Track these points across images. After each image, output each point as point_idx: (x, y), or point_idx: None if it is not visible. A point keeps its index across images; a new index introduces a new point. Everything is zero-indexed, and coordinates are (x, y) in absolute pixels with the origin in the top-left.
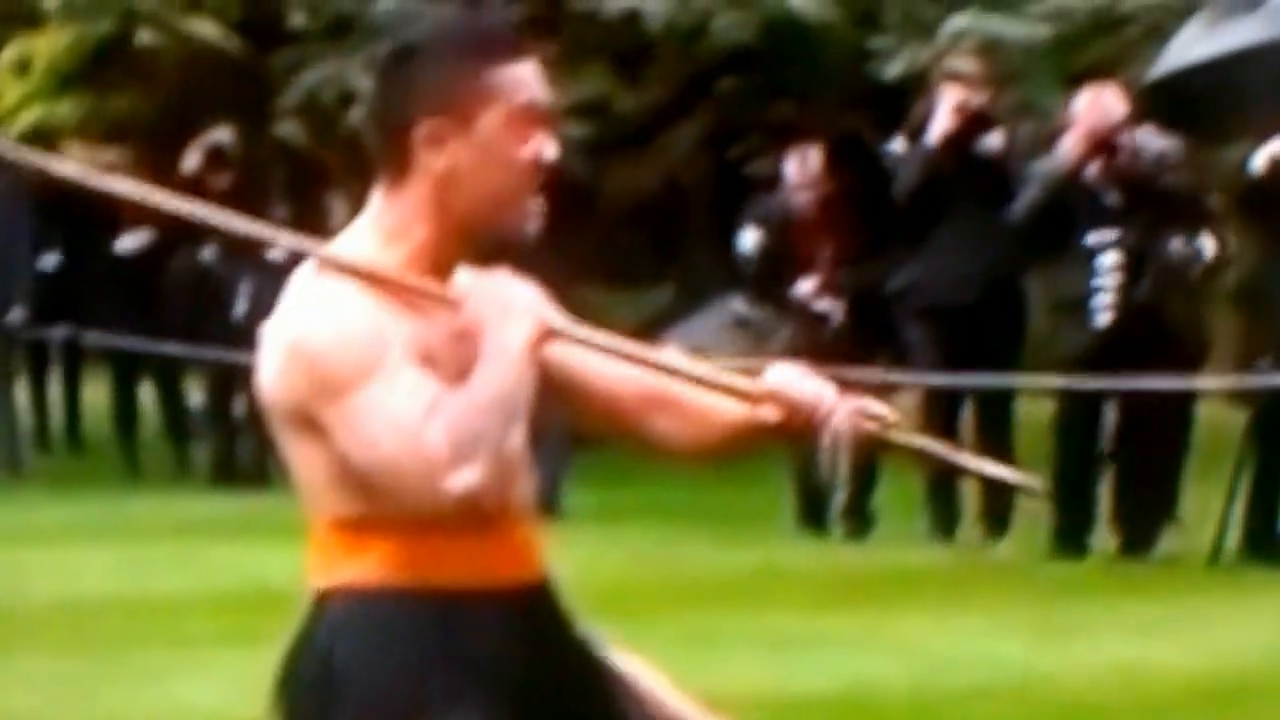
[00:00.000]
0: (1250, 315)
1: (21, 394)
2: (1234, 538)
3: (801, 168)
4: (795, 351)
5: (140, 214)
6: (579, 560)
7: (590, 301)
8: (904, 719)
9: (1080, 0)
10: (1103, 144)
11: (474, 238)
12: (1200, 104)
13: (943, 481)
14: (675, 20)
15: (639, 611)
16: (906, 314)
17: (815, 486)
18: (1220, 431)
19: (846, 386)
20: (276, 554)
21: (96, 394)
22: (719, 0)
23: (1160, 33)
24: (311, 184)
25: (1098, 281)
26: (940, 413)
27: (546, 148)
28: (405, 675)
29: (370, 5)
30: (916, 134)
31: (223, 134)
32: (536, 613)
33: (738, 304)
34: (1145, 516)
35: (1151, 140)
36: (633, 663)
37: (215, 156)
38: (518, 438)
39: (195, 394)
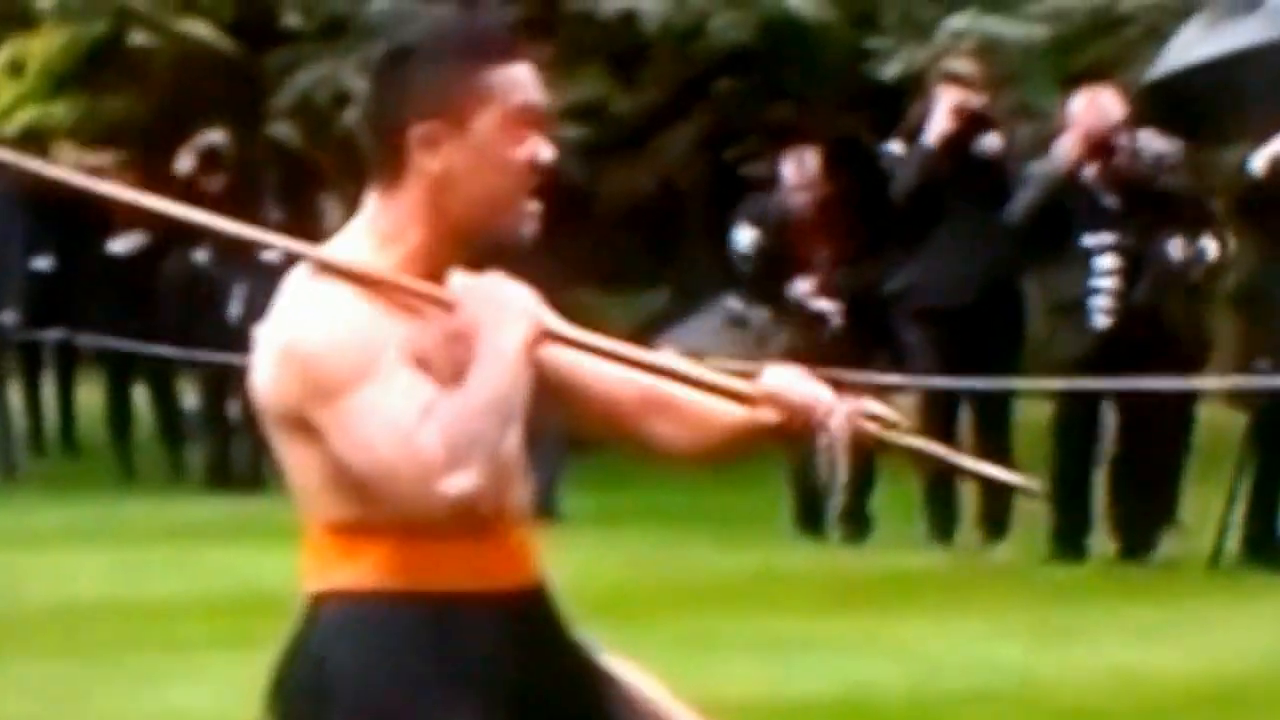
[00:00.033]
0: (1250, 317)
1: (15, 397)
2: (1234, 541)
3: (799, 169)
4: (793, 353)
5: (133, 216)
6: (577, 564)
7: (586, 304)
8: None
9: (1079, 1)
10: (1100, 145)
11: (469, 240)
12: (1199, 105)
13: (941, 484)
14: (672, 21)
15: (637, 615)
16: (904, 316)
17: (813, 489)
18: (1220, 434)
19: (845, 388)
20: (271, 557)
21: (90, 397)
22: (715, 0)
23: (1159, 33)
24: (305, 185)
25: (1095, 283)
26: (938, 415)
27: (542, 150)
28: (399, 680)
29: (364, 6)
30: (914, 135)
31: (216, 135)
32: (532, 617)
33: (733, 302)
34: (1145, 519)
35: (1150, 142)
36: (627, 668)
37: (209, 158)
38: (513, 440)
39: (189, 396)
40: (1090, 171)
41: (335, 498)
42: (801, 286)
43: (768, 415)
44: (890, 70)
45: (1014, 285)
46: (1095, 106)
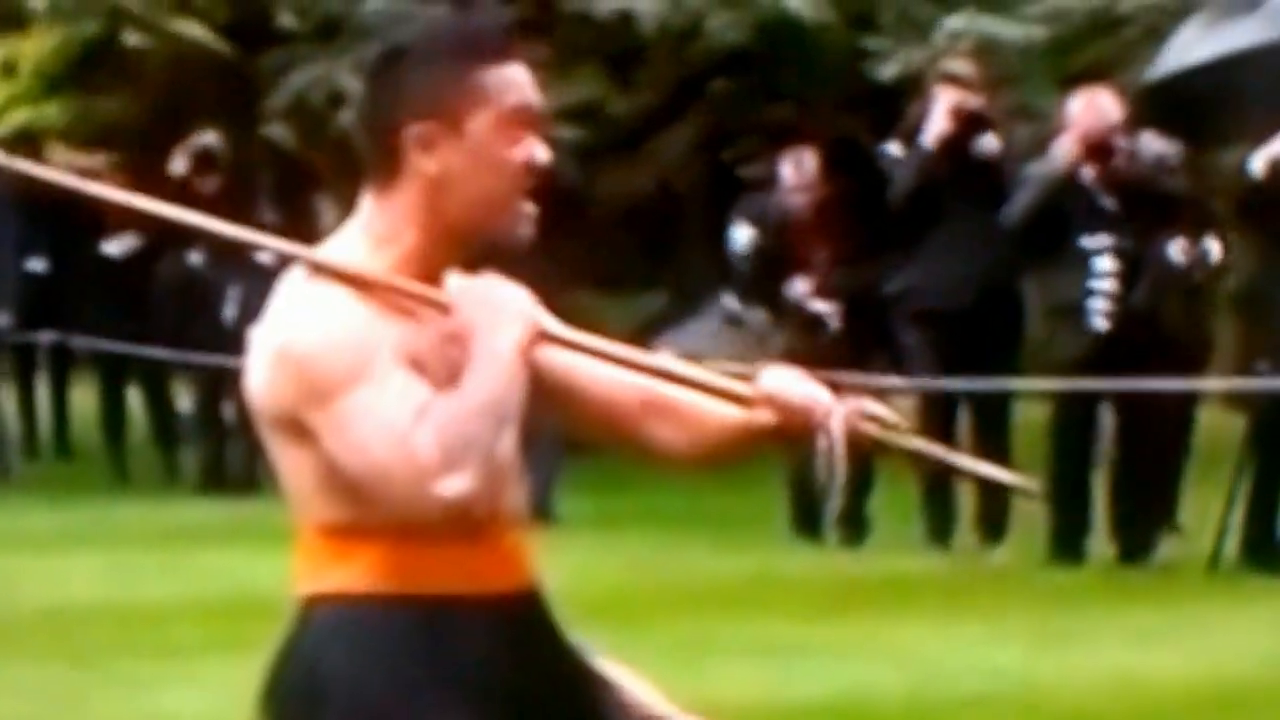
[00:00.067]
0: (1249, 319)
1: (9, 399)
2: (1233, 544)
3: (797, 170)
4: (791, 355)
5: (128, 218)
6: (574, 566)
7: (583, 306)
8: None
9: (1077, 1)
10: (1098, 147)
11: (465, 242)
12: (1198, 106)
13: (939, 487)
14: (668, 21)
15: (634, 618)
16: (903, 318)
17: (810, 492)
18: (1219, 437)
19: (843, 390)
20: (266, 561)
21: (84, 399)
22: (711, 1)
23: (1158, 34)
24: (300, 187)
25: (1094, 285)
26: (937, 417)
27: (538, 151)
28: (392, 684)
29: (359, 6)
30: (912, 136)
31: (210, 137)
32: (525, 620)
33: (730, 301)
34: (1144, 522)
35: (1150, 144)
36: (622, 671)
37: (203, 159)
38: (508, 443)
39: (184, 399)
40: (1088, 173)
41: (328, 500)
42: (799, 286)
43: (766, 416)
44: (888, 71)
45: (1013, 287)
46: (1093, 107)
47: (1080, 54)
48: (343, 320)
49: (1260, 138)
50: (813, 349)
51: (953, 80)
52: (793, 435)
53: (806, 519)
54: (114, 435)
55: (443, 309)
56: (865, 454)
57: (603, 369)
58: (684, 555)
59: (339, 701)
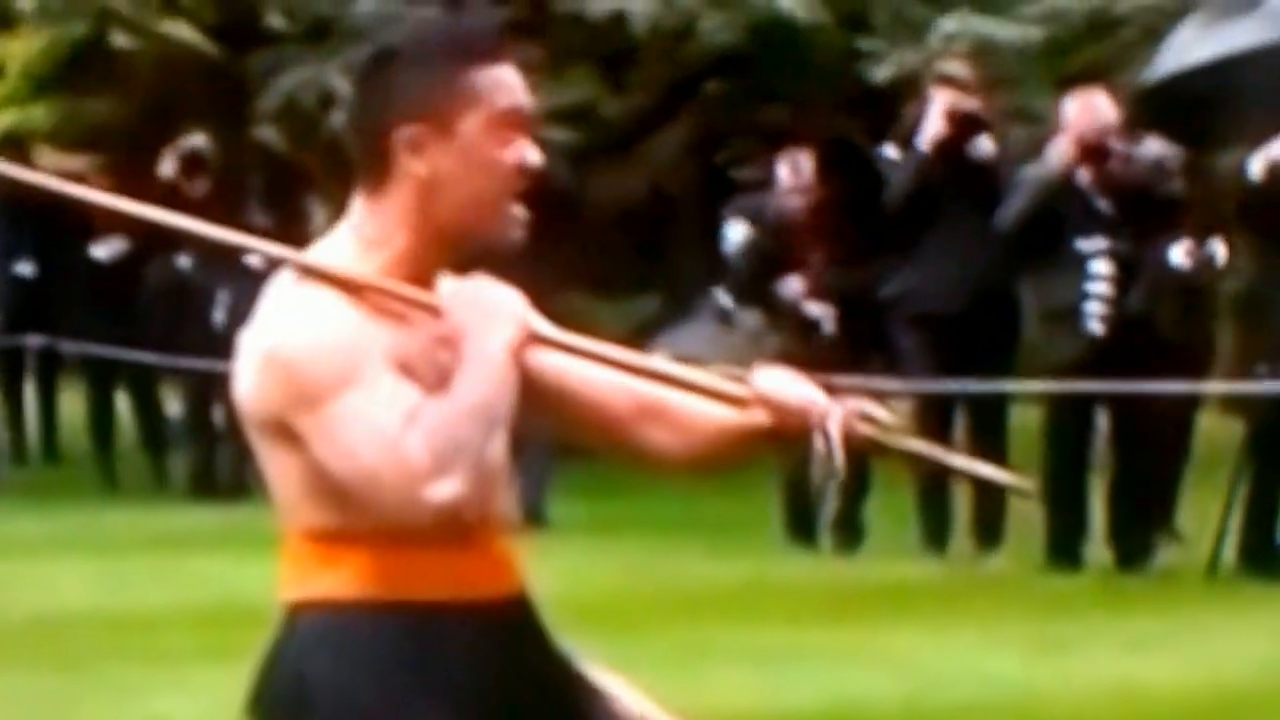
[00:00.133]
0: (1247, 323)
1: None
2: (1232, 550)
3: (794, 173)
4: (786, 358)
5: (116, 221)
6: (567, 572)
7: (576, 310)
8: None
9: (1074, 2)
10: (1094, 149)
11: (456, 244)
12: (1196, 107)
13: (934, 492)
14: (661, 22)
15: (628, 624)
16: (899, 321)
17: (804, 498)
18: (1217, 442)
19: (838, 392)
20: (256, 567)
21: (72, 404)
22: (704, 1)
23: (1155, 35)
24: (291, 189)
25: (1089, 288)
26: (933, 420)
27: (529, 153)
28: (379, 692)
29: (349, 7)
30: (908, 138)
31: (199, 139)
32: (514, 627)
33: (722, 296)
34: (1141, 529)
35: (1148, 146)
36: (612, 679)
37: (192, 162)
38: (499, 446)
39: (173, 404)
40: (1084, 175)
41: (316, 505)
42: (793, 285)
43: (761, 418)
44: (882, 73)
45: (1009, 290)
46: (1089, 109)
47: (1077, 55)
48: (332, 324)
49: (1259, 140)
50: (807, 351)
51: (948, 82)
52: (789, 436)
53: (801, 524)
54: (103, 440)
55: (433, 312)
56: (862, 456)
57: (596, 372)
58: (678, 561)
59: (325, 709)
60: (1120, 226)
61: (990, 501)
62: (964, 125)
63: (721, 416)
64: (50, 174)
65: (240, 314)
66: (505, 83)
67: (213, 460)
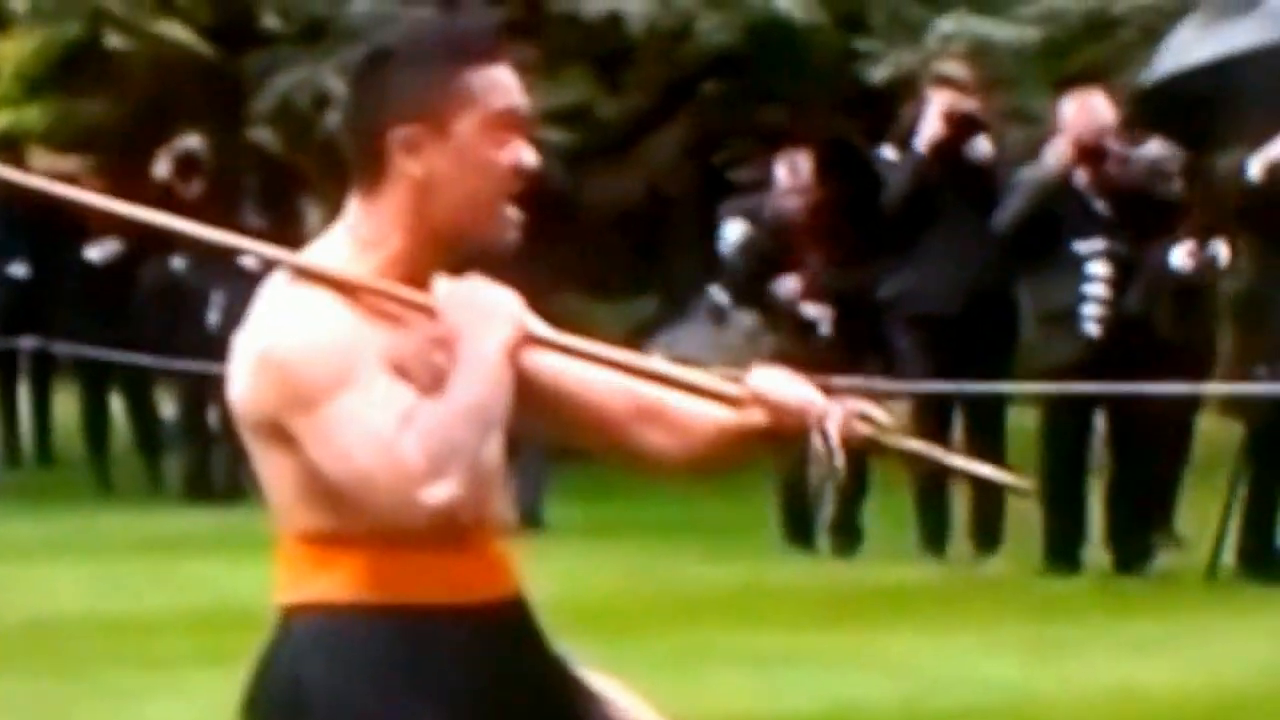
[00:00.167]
0: (1246, 324)
1: None
2: (1231, 553)
3: (792, 173)
4: (782, 358)
5: (110, 222)
6: (564, 575)
7: (572, 311)
8: None
9: (1072, 2)
10: (1091, 151)
11: (451, 245)
12: (1195, 108)
13: (933, 495)
14: (657, 23)
15: (625, 627)
16: (897, 322)
17: (802, 501)
18: (1217, 444)
19: (835, 393)
20: (251, 570)
21: (67, 406)
22: (701, 2)
23: (1154, 36)
24: (286, 190)
25: (1087, 290)
26: (931, 422)
27: (525, 154)
28: (374, 695)
29: (344, 8)
30: (906, 140)
31: (194, 140)
32: (509, 630)
33: (717, 294)
34: (1140, 532)
35: (1147, 148)
36: (607, 682)
37: (186, 163)
38: (494, 448)
39: (167, 406)
40: (1081, 177)
41: (310, 508)
42: (789, 284)
43: (758, 417)
44: (879, 73)
45: (1006, 291)
46: (1086, 111)
47: (1075, 56)
48: (327, 325)
49: (1258, 140)
50: (804, 352)
51: (946, 82)
52: (786, 436)
53: (799, 527)
54: (97, 443)
55: (429, 313)
56: (859, 456)
57: (592, 374)
58: (675, 563)
59: (320, 713)
60: (1118, 228)
61: (989, 504)
62: (961, 126)
63: (719, 417)
64: (44, 175)
65: (235, 315)
66: (501, 83)
67: (208, 463)
